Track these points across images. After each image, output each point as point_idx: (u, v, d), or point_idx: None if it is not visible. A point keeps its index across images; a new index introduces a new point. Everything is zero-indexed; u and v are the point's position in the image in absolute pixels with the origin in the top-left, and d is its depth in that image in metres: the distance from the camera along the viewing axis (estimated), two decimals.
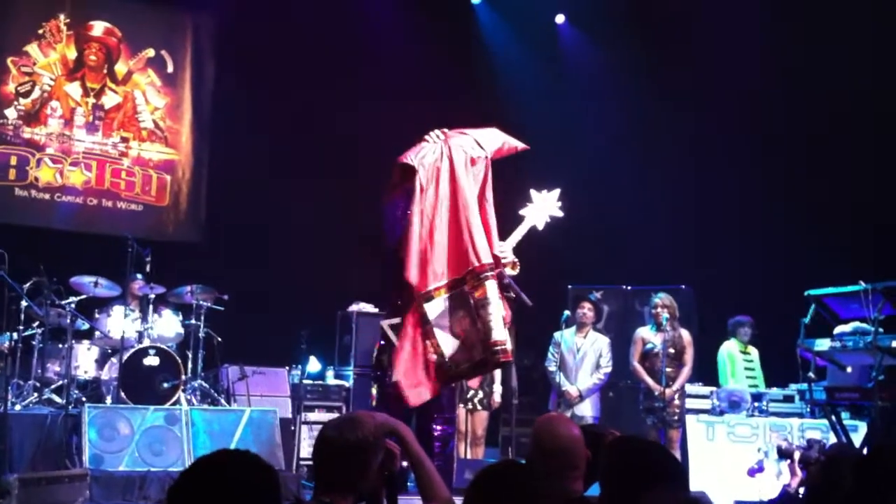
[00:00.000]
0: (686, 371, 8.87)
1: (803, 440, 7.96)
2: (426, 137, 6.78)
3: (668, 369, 8.72)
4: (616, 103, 12.15)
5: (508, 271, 6.86)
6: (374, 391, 9.44)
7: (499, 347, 6.41)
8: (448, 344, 6.50)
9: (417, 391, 6.48)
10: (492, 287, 6.43)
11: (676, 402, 8.79)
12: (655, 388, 8.72)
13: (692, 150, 11.58)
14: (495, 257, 6.55)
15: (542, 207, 7.13)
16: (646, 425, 8.79)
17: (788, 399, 8.78)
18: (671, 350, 8.79)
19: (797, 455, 5.85)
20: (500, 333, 6.41)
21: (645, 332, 9.08)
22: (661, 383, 8.66)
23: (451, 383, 6.82)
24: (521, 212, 7.16)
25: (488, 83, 12.62)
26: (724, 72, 11.37)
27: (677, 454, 8.48)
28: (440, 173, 6.72)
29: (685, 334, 8.96)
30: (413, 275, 6.51)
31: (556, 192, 7.16)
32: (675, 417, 8.71)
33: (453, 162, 6.69)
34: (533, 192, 7.19)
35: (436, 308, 6.55)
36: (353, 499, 3.04)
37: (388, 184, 6.87)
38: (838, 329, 7.53)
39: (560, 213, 7.13)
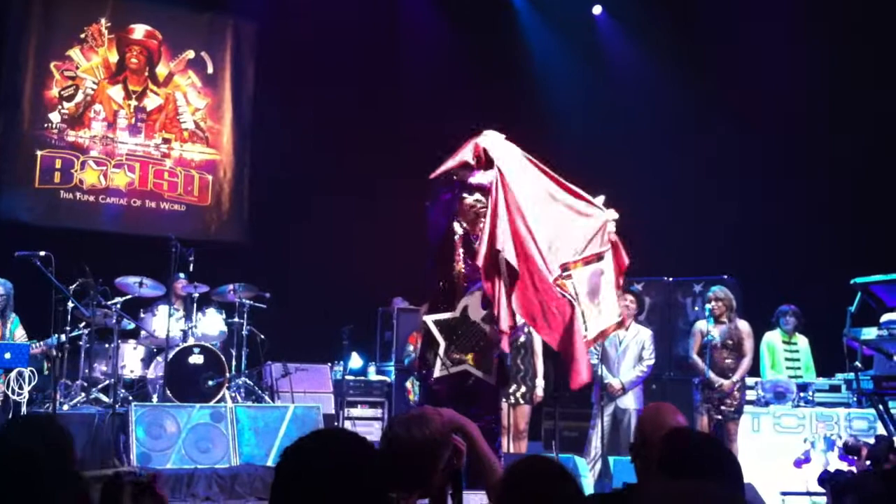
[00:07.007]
0: (746, 362, 8.63)
1: (850, 430, 7.89)
2: (485, 132, 6.40)
3: (727, 361, 8.57)
4: (655, 94, 12.07)
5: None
6: (410, 387, 9.44)
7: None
8: (590, 313, 6.41)
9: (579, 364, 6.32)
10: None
11: (736, 393, 8.61)
12: (716, 380, 8.53)
13: (732, 139, 11.45)
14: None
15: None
16: (697, 416, 8.66)
17: (835, 389, 8.65)
18: (729, 341, 8.64)
19: (864, 451, 5.67)
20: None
21: (703, 325, 8.93)
22: (722, 375, 8.50)
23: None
24: None
25: (526, 75, 12.60)
26: (763, 62, 11.24)
27: (736, 446, 8.32)
28: (520, 165, 6.47)
29: (744, 325, 8.76)
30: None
31: (601, 198, 6.99)
32: (734, 409, 8.55)
33: (525, 159, 6.53)
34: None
35: (581, 277, 6.40)
36: (419, 495, 3.04)
37: (441, 174, 6.51)
38: (885, 317, 7.39)
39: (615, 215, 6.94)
